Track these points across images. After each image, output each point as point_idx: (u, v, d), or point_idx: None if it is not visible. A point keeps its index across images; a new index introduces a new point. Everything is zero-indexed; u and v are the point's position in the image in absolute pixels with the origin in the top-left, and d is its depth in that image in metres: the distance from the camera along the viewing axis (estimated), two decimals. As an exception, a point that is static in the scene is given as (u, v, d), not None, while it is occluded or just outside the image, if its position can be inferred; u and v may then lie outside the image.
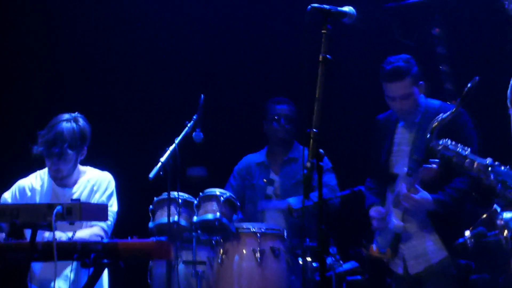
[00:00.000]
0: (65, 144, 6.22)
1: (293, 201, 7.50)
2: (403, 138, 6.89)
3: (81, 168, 6.52)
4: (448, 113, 5.55)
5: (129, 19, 9.19)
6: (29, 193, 6.47)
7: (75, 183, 6.45)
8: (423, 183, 6.49)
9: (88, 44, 9.01)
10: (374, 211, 6.76)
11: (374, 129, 7.05)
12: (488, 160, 5.47)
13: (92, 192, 6.42)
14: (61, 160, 6.29)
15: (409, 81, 6.69)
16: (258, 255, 6.99)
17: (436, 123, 5.61)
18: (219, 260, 7.07)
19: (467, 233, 6.49)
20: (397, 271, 6.70)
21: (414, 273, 6.64)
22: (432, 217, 6.62)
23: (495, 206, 6.24)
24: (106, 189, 6.46)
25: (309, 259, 7.11)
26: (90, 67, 8.85)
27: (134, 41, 9.10)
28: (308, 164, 4.68)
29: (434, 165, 6.30)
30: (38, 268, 6.21)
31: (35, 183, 6.51)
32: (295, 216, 7.38)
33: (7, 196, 6.51)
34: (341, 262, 7.02)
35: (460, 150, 5.57)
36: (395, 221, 6.52)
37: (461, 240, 6.63)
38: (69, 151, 6.27)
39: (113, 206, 6.46)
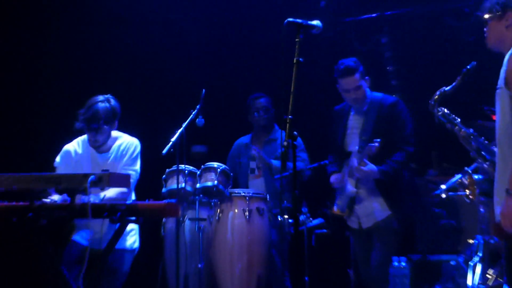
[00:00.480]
0: (101, 121, 6.20)
1: (275, 162, 7.58)
2: (354, 123, 6.94)
3: (114, 134, 6.47)
4: (450, 87, 5.55)
5: (154, 20, 9.06)
6: (73, 156, 6.45)
7: (109, 149, 6.41)
8: (370, 157, 6.55)
9: (115, 43, 8.89)
10: (333, 178, 6.86)
11: (333, 117, 7.10)
12: (471, 130, 5.51)
13: (122, 155, 6.40)
14: (98, 134, 6.26)
15: (358, 76, 6.76)
16: (247, 213, 7.03)
17: (438, 95, 5.63)
18: (216, 218, 7.12)
19: (443, 186, 6.67)
20: (353, 226, 6.76)
21: (366, 227, 6.71)
22: (378, 184, 6.66)
23: (465, 168, 6.40)
24: (132, 153, 6.43)
25: (286, 216, 7.08)
26: (118, 61, 8.74)
27: (150, 46, 8.98)
28: (285, 143, 4.69)
29: (377, 144, 6.42)
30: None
31: (77, 148, 6.49)
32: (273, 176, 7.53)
33: (58, 159, 6.48)
34: (311, 219, 7.00)
35: (452, 119, 5.64)
36: (350, 187, 6.63)
37: (437, 192, 6.69)
38: (104, 126, 6.25)
39: (137, 166, 6.44)
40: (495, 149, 4.91)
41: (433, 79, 8.14)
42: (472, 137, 5.54)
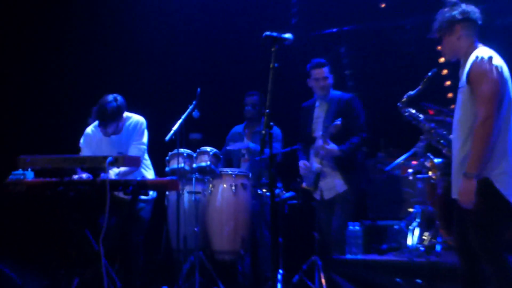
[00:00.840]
0: (108, 119, 6.18)
1: (252, 145, 7.63)
2: (319, 114, 6.95)
3: (128, 114, 6.44)
4: (415, 91, 5.41)
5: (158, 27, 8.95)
6: (93, 137, 6.47)
7: (121, 130, 6.39)
8: (332, 139, 6.56)
9: (129, 48, 8.82)
10: (301, 163, 6.87)
11: (302, 111, 7.11)
12: (432, 124, 5.54)
13: (132, 133, 6.39)
14: (107, 128, 6.26)
15: (326, 69, 6.84)
16: (233, 187, 7.15)
17: (405, 98, 5.53)
18: (209, 191, 7.23)
19: (410, 170, 6.72)
20: (317, 198, 6.82)
21: (327, 199, 6.79)
22: (337, 163, 6.71)
23: (428, 154, 6.39)
24: (139, 129, 6.41)
25: (264, 190, 7.20)
26: (132, 63, 8.70)
27: (159, 51, 8.91)
28: (263, 132, 4.78)
29: (339, 122, 6.43)
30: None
31: (95, 132, 6.46)
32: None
33: (82, 140, 6.50)
34: (284, 192, 7.03)
35: (416, 117, 5.63)
36: (316, 165, 6.65)
37: (406, 175, 6.77)
38: (112, 123, 6.25)
39: (144, 139, 6.43)
40: (452, 138, 4.79)
41: (382, 81, 8.28)
42: (433, 130, 5.58)
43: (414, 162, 6.81)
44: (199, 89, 6.92)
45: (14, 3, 8.54)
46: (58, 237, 6.14)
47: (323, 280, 6.40)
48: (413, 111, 5.65)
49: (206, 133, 7.71)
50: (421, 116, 5.70)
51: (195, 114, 6.93)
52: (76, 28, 8.67)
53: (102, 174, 5.55)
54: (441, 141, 5.40)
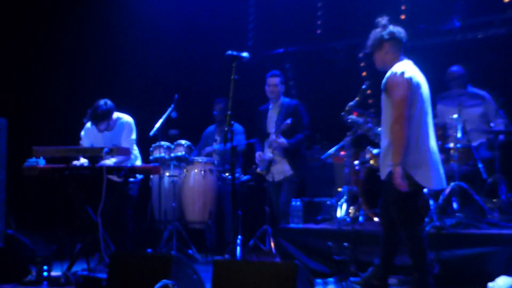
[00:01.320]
0: (98, 120, 6.13)
1: (217, 146, 7.58)
2: (272, 115, 6.89)
3: (116, 116, 6.35)
4: (353, 102, 5.27)
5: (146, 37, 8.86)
6: (91, 131, 6.38)
7: (113, 126, 6.32)
8: (282, 135, 6.57)
9: (123, 57, 8.70)
10: (257, 154, 6.82)
11: (258, 113, 7.04)
12: (370, 125, 5.43)
13: (123, 130, 6.33)
14: (99, 126, 6.20)
15: (278, 80, 6.79)
16: (202, 172, 7.19)
17: (347, 108, 5.38)
18: (184, 175, 7.25)
19: (356, 162, 6.56)
20: (269, 180, 6.78)
21: (277, 180, 6.76)
22: (286, 153, 6.71)
23: (368, 147, 6.33)
24: (129, 127, 6.36)
25: (227, 174, 7.17)
26: (114, 69, 8.53)
27: (143, 62, 8.81)
28: (225, 128, 4.85)
29: (289, 121, 6.43)
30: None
31: (92, 128, 6.34)
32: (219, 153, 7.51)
33: (82, 133, 6.44)
34: (242, 175, 7.07)
35: (356, 121, 5.50)
36: (269, 154, 6.62)
37: (355, 165, 6.77)
38: (102, 123, 6.19)
39: (133, 135, 6.36)
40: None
41: (318, 90, 8.32)
42: (370, 130, 5.50)
43: (342, 153, 6.81)
44: (176, 95, 6.96)
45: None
46: (64, 211, 6.13)
47: (272, 244, 6.46)
48: (354, 117, 5.54)
49: (181, 130, 7.68)
50: (360, 120, 5.62)
51: (173, 114, 6.96)
52: (80, 43, 8.54)
53: (101, 162, 5.56)
54: (379, 137, 5.27)
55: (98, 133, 6.36)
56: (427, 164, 4.45)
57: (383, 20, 4.72)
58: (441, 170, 4.57)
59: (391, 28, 4.67)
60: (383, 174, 4.60)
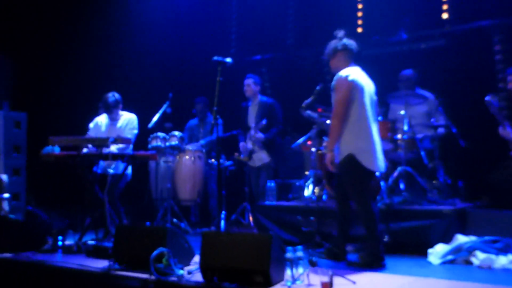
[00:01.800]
0: (111, 108, 6.13)
1: (202, 142, 7.50)
2: (252, 110, 6.90)
3: (121, 112, 6.32)
4: (309, 100, 5.41)
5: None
6: (99, 123, 6.33)
7: (117, 119, 6.29)
8: (261, 130, 6.59)
9: (128, 59, 8.64)
10: (241, 144, 6.85)
11: (241, 109, 7.03)
12: (323, 119, 5.61)
13: (126, 124, 6.27)
14: (111, 114, 6.18)
15: (251, 80, 6.81)
16: (192, 158, 7.14)
17: (304, 105, 5.49)
18: (177, 161, 7.18)
19: (313, 149, 6.50)
20: (251, 165, 6.78)
21: (257, 166, 6.81)
22: (264, 144, 6.72)
23: (323, 137, 6.29)
24: (133, 122, 6.30)
25: (213, 160, 7.13)
26: (119, 72, 8.44)
27: (144, 66, 8.75)
28: (213, 122, 4.88)
29: (264, 122, 6.47)
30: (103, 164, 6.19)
31: (102, 119, 6.33)
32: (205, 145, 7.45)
33: (91, 125, 6.37)
34: (226, 161, 6.99)
35: (312, 115, 5.68)
36: (250, 146, 6.64)
37: (312, 152, 6.74)
38: (114, 110, 6.16)
39: (135, 130, 6.30)
40: None
41: (289, 90, 8.32)
42: (323, 123, 5.65)
43: (309, 142, 6.79)
44: (171, 94, 6.93)
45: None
46: (76, 190, 6.07)
47: (250, 218, 6.47)
48: (310, 112, 5.69)
49: (175, 123, 7.64)
50: (315, 115, 5.74)
51: (168, 110, 6.95)
52: (89, 51, 8.45)
53: (106, 149, 5.53)
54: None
55: (104, 127, 6.31)
56: (370, 151, 4.56)
57: (339, 33, 4.83)
58: (381, 156, 4.67)
59: (345, 40, 4.78)
60: (337, 159, 4.67)
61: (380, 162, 4.65)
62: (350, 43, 4.80)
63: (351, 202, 4.77)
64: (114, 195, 6.00)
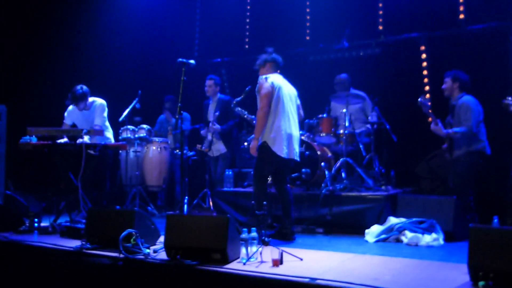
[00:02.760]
0: (78, 100, 5.86)
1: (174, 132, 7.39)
2: (211, 107, 6.75)
3: (91, 99, 6.03)
4: (239, 98, 5.54)
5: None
6: (72, 112, 6.07)
7: (90, 107, 6.00)
8: (218, 123, 6.50)
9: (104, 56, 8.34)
10: (202, 132, 6.74)
11: (203, 106, 6.91)
12: (253, 116, 5.56)
13: (96, 111, 6.01)
14: (78, 105, 5.90)
15: (212, 81, 6.72)
16: (159, 149, 7.03)
17: (235, 102, 5.63)
18: (145, 151, 7.05)
19: (246, 143, 6.57)
20: (210, 155, 6.65)
21: (215, 156, 6.71)
22: (222, 136, 6.65)
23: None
24: (102, 107, 6.04)
25: (177, 150, 7.01)
26: (92, 70, 8.05)
27: (116, 64, 8.46)
28: (177, 116, 4.79)
29: (217, 113, 6.45)
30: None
31: (74, 109, 6.03)
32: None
33: (66, 114, 6.11)
34: (189, 152, 6.85)
35: (242, 112, 5.83)
36: (209, 137, 6.50)
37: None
38: (80, 102, 5.88)
39: (105, 113, 6.07)
40: None
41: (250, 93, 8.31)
42: (252, 120, 5.67)
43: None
44: (139, 91, 6.77)
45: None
46: (52, 176, 5.89)
47: (210, 203, 6.40)
48: (240, 109, 5.86)
49: (143, 117, 7.47)
50: (245, 112, 5.89)
51: (137, 105, 6.77)
52: (66, 48, 8.14)
53: (80, 140, 5.37)
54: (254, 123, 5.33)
55: (78, 113, 6.07)
56: (281, 141, 4.77)
57: (270, 49, 5.10)
58: (292, 146, 4.87)
59: (273, 55, 5.04)
60: (260, 142, 4.89)
61: (291, 151, 4.86)
62: (278, 57, 5.07)
63: (283, 185, 5.00)
64: (103, 179, 6.01)
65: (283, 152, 4.79)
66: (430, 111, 5.23)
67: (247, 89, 5.40)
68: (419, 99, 5.24)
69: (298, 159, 5.00)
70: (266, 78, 4.88)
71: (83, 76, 7.88)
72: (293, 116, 4.98)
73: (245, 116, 5.96)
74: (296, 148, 4.94)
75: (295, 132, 4.95)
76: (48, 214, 5.65)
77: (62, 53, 8.10)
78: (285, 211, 4.94)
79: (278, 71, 5.08)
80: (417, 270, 3.58)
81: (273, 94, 4.82)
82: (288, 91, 4.99)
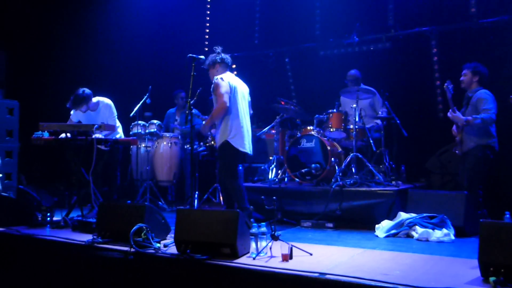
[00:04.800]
0: (80, 104, 5.87)
1: (177, 125, 7.41)
2: None
3: (95, 99, 6.05)
4: (193, 100, 5.19)
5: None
6: (78, 114, 6.08)
7: (95, 109, 6.05)
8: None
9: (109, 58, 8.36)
10: (213, 131, 6.66)
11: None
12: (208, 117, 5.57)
13: (105, 110, 6.09)
14: (79, 109, 5.93)
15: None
16: (169, 144, 7.00)
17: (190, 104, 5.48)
18: (155, 146, 7.03)
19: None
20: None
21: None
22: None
23: (212, 130, 6.15)
24: (110, 108, 6.11)
25: (188, 146, 7.01)
26: (105, 66, 8.23)
27: (129, 61, 8.46)
28: (187, 111, 4.86)
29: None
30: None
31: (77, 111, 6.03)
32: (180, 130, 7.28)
33: (72, 112, 6.11)
34: (200, 147, 6.88)
35: (196, 114, 5.97)
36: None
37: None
38: (81, 105, 5.90)
39: (115, 113, 6.14)
40: None
41: (257, 85, 8.20)
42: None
43: (273, 131, 6.80)
44: (150, 86, 6.79)
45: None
46: (64, 171, 5.95)
47: (221, 197, 6.43)
48: (195, 110, 5.87)
49: (154, 112, 7.48)
50: (199, 113, 6.24)
51: (148, 100, 6.81)
52: (79, 47, 8.19)
53: (93, 135, 5.38)
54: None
55: (82, 114, 6.08)
56: (242, 137, 4.99)
57: (218, 48, 5.20)
58: (249, 141, 5.13)
59: (222, 55, 5.16)
60: (218, 143, 5.12)
61: (247, 146, 5.10)
62: (226, 57, 5.18)
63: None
64: (114, 173, 6.00)
65: (246, 147, 5.07)
66: (451, 97, 5.18)
67: (198, 90, 5.48)
68: (445, 84, 5.20)
69: (251, 153, 5.27)
70: (222, 79, 4.99)
71: (94, 72, 8.01)
72: (247, 113, 5.22)
73: (200, 117, 6.24)
74: (250, 143, 5.21)
75: (249, 128, 5.23)
76: (60, 209, 5.69)
77: (73, 50, 8.15)
78: (240, 203, 5.03)
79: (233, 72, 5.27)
80: (427, 265, 3.55)
81: (230, 93, 4.99)
82: (242, 90, 5.19)
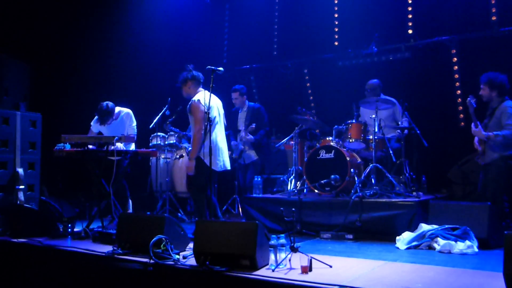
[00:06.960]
0: (105, 117, 5.95)
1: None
2: (241, 116, 6.89)
3: (116, 109, 6.10)
4: (172, 118, 6.14)
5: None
6: (98, 124, 6.12)
7: (116, 119, 6.09)
8: (250, 133, 6.59)
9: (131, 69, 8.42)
10: (233, 144, 6.78)
11: (232, 113, 6.95)
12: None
13: (126, 121, 6.11)
14: (104, 122, 5.98)
15: (237, 93, 6.80)
16: (185, 154, 7.04)
17: (169, 122, 6.04)
18: (174, 157, 7.08)
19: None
20: (241, 163, 6.74)
21: (246, 163, 6.80)
22: (253, 144, 6.72)
23: (185, 146, 6.38)
24: (130, 117, 6.14)
25: None
26: (126, 80, 8.30)
27: (149, 76, 8.55)
28: (205, 124, 4.89)
29: (253, 126, 6.51)
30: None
31: (96, 123, 6.10)
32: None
33: (92, 123, 6.19)
34: None
35: (174, 130, 6.31)
36: (241, 146, 6.61)
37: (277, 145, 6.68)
38: (107, 119, 5.98)
39: (134, 123, 6.15)
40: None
41: (273, 96, 8.27)
42: (186, 135, 6.11)
43: (291, 142, 6.76)
44: (169, 99, 6.84)
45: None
46: (85, 183, 5.97)
47: (239, 209, 6.44)
48: (173, 128, 6.61)
49: (175, 125, 7.51)
50: (177, 129, 6.55)
51: (167, 112, 6.85)
52: (100, 62, 8.28)
53: (111, 146, 5.42)
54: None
55: (101, 126, 6.15)
56: (212, 153, 4.86)
57: (189, 66, 5.28)
58: (225, 158, 5.25)
59: (193, 72, 5.22)
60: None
61: (222, 163, 5.21)
62: (198, 74, 5.25)
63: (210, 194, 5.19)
64: (123, 185, 5.97)
65: (217, 166, 5.15)
66: (474, 112, 5.13)
67: (178, 109, 5.45)
68: (468, 98, 5.16)
69: (229, 168, 5.37)
70: (198, 101, 5.04)
71: (115, 85, 8.09)
72: (222, 130, 5.31)
73: (178, 134, 6.48)
74: (226, 158, 5.31)
75: (224, 143, 5.33)
76: (81, 220, 5.74)
77: (94, 64, 8.27)
78: (212, 213, 5.09)
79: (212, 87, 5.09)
80: (450, 278, 3.47)
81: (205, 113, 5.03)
82: (217, 105, 5.24)
